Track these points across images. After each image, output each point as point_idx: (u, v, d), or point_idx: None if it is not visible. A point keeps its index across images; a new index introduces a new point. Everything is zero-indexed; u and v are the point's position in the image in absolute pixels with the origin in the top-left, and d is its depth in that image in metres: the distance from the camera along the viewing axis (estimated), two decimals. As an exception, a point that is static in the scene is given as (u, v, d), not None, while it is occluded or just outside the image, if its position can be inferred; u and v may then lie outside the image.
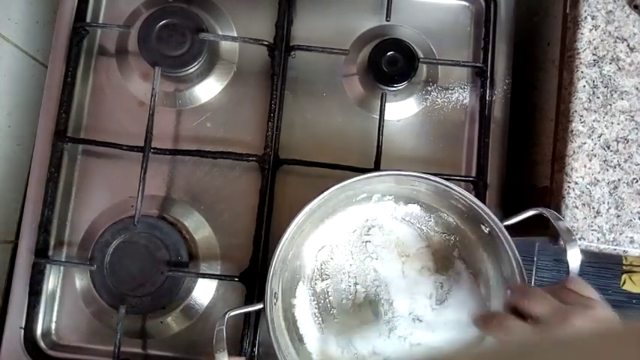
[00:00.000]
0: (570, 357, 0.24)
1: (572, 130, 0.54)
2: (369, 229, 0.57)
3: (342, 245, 0.57)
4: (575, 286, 0.43)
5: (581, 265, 0.46)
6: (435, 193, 0.53)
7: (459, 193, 0.49)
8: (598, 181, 0.53)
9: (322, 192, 0.48)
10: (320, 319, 0.55)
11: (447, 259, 0.56)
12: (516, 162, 0.66)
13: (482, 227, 0.52)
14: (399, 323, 0.55)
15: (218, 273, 0.61)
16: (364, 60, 0.63)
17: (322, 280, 0.56)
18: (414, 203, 0.57)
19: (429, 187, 0.52)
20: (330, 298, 0.56)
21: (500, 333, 0.43)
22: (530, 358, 0.26)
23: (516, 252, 0.49)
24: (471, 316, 0.50)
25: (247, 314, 0.58)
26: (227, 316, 0.48)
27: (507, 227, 0.49)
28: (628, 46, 0.55)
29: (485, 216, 0.49)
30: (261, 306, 0.48)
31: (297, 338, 0.54)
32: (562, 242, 0.47)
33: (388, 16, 0.63)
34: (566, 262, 0.47)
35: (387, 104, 0.61)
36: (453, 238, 0.57)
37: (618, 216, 0.53)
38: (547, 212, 0.49)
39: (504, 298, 0.51)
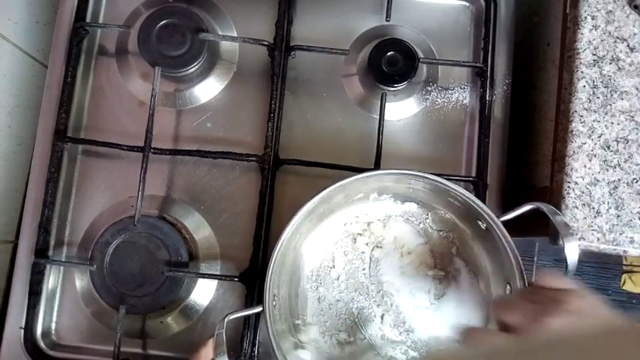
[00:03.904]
0: (571, 357, 0.24)
1: (572, 130, 0.54)
2: (368, 227, 0.57)
3: (341, 244, 0.57)
4: (546, 281, 0.41)
5: (581, 265, 0.46)
6: (432, 191, 0.53)
7: (455, 190, 0.49)
8: (598, 181, 0.53)
9: (319, 192, 0.48)
10: (320, 318, 0.55)
11: (446, 256, 0.57)
12: (516, 162, 0.66)
13: (480, 224, 0.52)
14: (398, 320, 0.55)
15: (218, 273, 0.61)
16: (364, 60, 0.63)
17: (322, 280, 0.56)
18: (412, 201, 0.57)
19: (426, 185, 0.52)
20: (330, 296, 0.56)
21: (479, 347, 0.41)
22: (530, 358, 0.26)
23: (514, 247, 0.49)
24: (457, 330, 0.46)
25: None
26: (227, 319, 0.48)
27: (506, 225, 0.49)
28: (628, 46, 0.55)
29: (482, 212, 0.50)
30: (260, 309, 0.48)
31: (296, 339, 0.54)
32: (560, 237, 0.47)
33: (388, 16, 0.63)
34: (566, 261, 0.47)
35: (387, 104, 0.61)
36: (451, 235, 0.57)
37: (618, 216, 0.53)
38: (544, 207, 0.49)
39: (505, 293, 0.51)
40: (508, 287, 0.51)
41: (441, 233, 0.57)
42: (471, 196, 0.49)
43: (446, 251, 0.57)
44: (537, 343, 0.34)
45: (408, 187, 0.55)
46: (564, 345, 0.26)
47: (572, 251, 0.46)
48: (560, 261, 0.48)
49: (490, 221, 0.49)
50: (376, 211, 0.57)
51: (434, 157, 0.63)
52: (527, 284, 0.48)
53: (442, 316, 0.55)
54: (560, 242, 0.47)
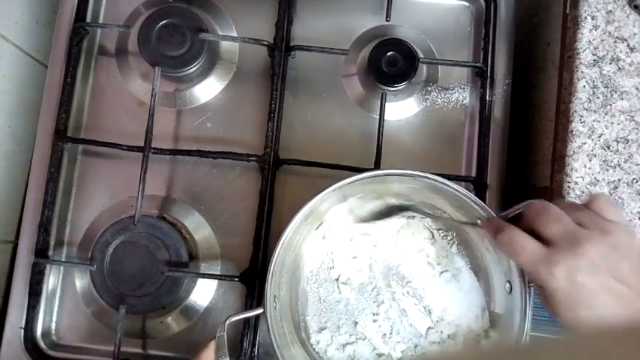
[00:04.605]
0: (571, 357, 0.24)
1: (572, 130, 0.54)
2: (367, 227, 0.57)
3: (341, 245, 0.57)
4: (598, 205, 0.40)
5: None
6: (431, 190, 0.53)
7: (454, 188, 0.49)
8: (598, 181, 0.53)
9: (318, 194, 0.48)
10: (320, 319, 0.55)
11: (446, 255, 0.57)
12: (516, 162, 0.66)
13: (479, 222, 0.52)
14: (400, 320, 0.55)
15: (218, 273, 0.61)
16: (364, 60, 0.63)
17: (322, 280, 0.56)
18: (411, 201, 0.57)
19: (425, 185, 0.52)
20: (330, 297, 0.56)
21: (509, 250, 0.41)
22: (530, 358, 0.26)
23: None
24: (479, 220, 0.47)
25: (247, 314, 0.58)
26: (227, 322, 0.47)
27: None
28: (628, 46, 0.55)
29: (481, 210, 0.50)
30: (261, 310, 0.48)
31: (298, 340, 0.54)
32: None
33: (388, 16, 0.63)
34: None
35: (387, 104, 0.61)
36: (450, 234, 0.57)
37: (618, 216, 0.53)
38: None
39: (504, 290, 0.52)
40: (508, 285, 0.51)
41: (441, 232, 0.57)
42: (469, 195, 0.49)
43: (446, 250, 0.57)
44: (536, 345, 0.34)
45: (407, 187, 0.55)
46: (558, 346, 0.26)
47: None
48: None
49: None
50: (375, 211, 0.57)
51: (434, 157, 0.63)
52: (527, 283, 0.48)
53: (441, 315, 0.55)
54: None
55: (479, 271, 0.55)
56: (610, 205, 0.41)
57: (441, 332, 0.54)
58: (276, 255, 0.48)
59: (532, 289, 0.48)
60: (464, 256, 0.56)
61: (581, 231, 0.39)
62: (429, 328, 0.55)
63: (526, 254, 0.40)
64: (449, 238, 0.57)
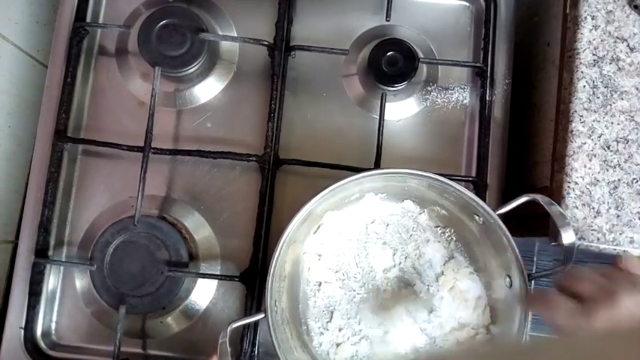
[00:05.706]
0: (571, 357, 0.24)
1: (572, 130, 0.54)
2: (365, 226, 0.57)
3: (340, 245, 0.57)
4: (627, 265, 0.42)
5: (581, 265, 0.46)
6: (427, 188, 0.53)
7: (450, 185, 0.49)
8: (598, 181, 0.53)
9: (314, 196, 0.48)
10: (322, 321, 0.55)
11: (445, 252, 0.57)
12: (516, 162, 0.66)
13: (477, 218, 0.52)
14: (401, 318, 0.55)
15: (218, 273, 0.61)
16: (364, 60, 0.63)
17: (322, 282, 0.56)
18: (408, 199, 0.57)
19: (421, 183, 0.52)
20: (331, 299, 0.56)
21: (545, 310, 0.43)
22: (530, 358, 0.26)
23: (511, 239, 0.49)
24: (517, 297, 0.49)
25: (247, 313, 0.58)
26: (229, 328, 0.47)
27: (506, 224, 0.49)
28: (628, 46, 0.55)
29: (477, 206, 0.50)
30: (262, 315, 0.48)
31: (301, 343, 0.54)
32: (557, 227, 0.47)
33: (388, 16, 0.63)
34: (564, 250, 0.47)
35: (387, 104, 0.61)
36: (448, 230, 0.57)
37: (618, 216, 0.53)
38: (540, 198, 0.49)
39: (504, 285, 0.52)
40: (507, 280, 0.51)
41: (438, 229, 0.57)
42: (466, 191, 0.50)
43: (445, 247, 0.57)
44: (536, 345, 0.34)
45: (404, 186, 0.55)
46: (558, 346, 0.26)
47: (569, 240, 0.47)
48: (560, 261, 0.49)
49: (486, 215, 0.50)
50: (373, 210, 0.57)
51: (434, 157, 0.63)
52: (526, 275, 0.48)
53: (442, 312, 0.55)
54: (559, 237, 0.47)
55: (478, 266, 0.56)
56: (634, 261, 0.42)
57: (442, 328, 0.54)
58: (275, 258, 0.48)
59: (533, 283, 0.49)
60: (463, 252, 0.57)
61: (614, 285, 0.40)
62: (431, 325, 0.55)
63: (562, 311, 0.41)
64: (446, 234, 0.57)
